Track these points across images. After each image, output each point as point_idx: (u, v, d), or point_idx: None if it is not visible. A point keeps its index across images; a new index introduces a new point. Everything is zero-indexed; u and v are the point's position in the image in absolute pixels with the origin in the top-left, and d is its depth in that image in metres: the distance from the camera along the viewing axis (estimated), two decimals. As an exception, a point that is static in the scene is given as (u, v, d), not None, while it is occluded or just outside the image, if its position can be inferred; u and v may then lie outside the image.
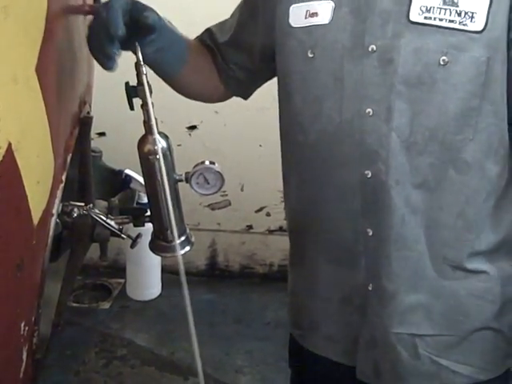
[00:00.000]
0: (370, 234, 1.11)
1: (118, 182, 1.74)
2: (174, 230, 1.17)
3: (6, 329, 0.92)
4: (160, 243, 1.21)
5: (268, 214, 3.02)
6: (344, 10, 1.07)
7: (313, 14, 1.10)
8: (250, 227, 3.03)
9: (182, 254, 1.23)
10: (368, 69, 1.05)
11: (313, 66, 1.10)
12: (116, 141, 2.51)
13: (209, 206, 3.02)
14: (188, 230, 1.30)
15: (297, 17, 1.12)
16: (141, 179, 1.60)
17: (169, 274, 2.83)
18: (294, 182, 1.22)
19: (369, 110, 1.06)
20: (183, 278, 1.12)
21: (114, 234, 1.30)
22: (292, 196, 1.24)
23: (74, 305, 2.86)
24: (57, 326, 1.40)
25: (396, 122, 1.04)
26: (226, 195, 3.01)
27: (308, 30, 1.10)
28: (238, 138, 2.88)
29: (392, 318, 1.14)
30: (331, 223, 1.16)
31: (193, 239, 1.27)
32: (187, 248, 1.22)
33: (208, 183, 1.22)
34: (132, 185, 1.73)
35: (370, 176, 1.08)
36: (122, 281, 2.98)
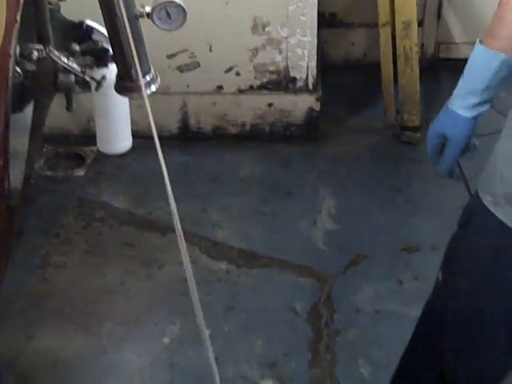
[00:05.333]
0: None
1: (79, 34, 1.69)
2: (138, 67, 1.16)
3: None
4: (125, 84, 1.20)
5: (238, 74, 2.99)
6: None
7: None
8: (220, 88, 3.01)
9: (149, 95, 1.23)
10: None
11: None
12: None
13: (177, 68, 2.98)
14: (153, 71, 1.28)
15: None
16: (103, 30, 1.56)
17: (141, 139, 2.82)
18: None
19: None
20: (152, 124, 1.12)
21: (78, 81, 1.29)
22: None
23: (49, 173, 2.87)
24: (29, 179, 1.41)
25: None
26: (195, 56, 2.96)
27: None
28: (202, -4, 2.80)
29: None
30: None
31: (158, 80, 1.25)
32: (153, 88, 1.21)
33: (170, 18, 1.19)
34: (94, 36, 1.69)
35: None
36: (95, 148, 2.97)
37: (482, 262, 1.30)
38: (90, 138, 2.98)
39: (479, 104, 1.27)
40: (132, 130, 2.89)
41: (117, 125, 2.80)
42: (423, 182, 2.79)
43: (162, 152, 1.06)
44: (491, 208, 1.24)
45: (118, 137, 2.86)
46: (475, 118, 1.29)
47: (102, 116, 2.79)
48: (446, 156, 1.33)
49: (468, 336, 1.37)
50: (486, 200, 1.25)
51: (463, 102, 1.28)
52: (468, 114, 1.28)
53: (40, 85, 1.30)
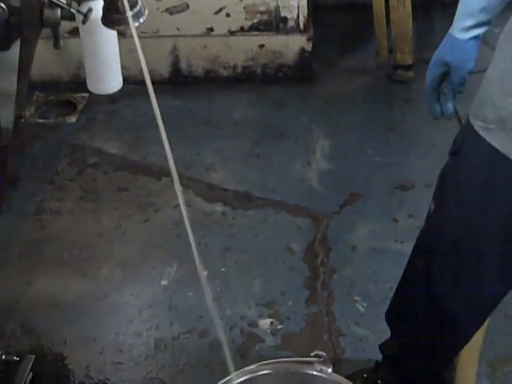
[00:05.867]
0: None
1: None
2: (125, -1, 1.13)
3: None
4: (112, 16, 1.17)
5: (228, 15, 2.94)
6: None
7: None
8: (210, 30, 2.96)
9: (136, 27, 1.20)
10: None
11: None
12: None
13: (166, 10, 2.93)
14: (140, 3, 1.25)
15: None
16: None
17: (133, 84, 2.79)
18: None
19: None
20: (143, 65, 1.11)
21: (64, 15, 1.26)
22: None
23: (40, 121, 2.85)
24: (20, 118, 1.40)
25: None
26: (184, -2, 2.92)
27: None
28: None
29: None
30: None
31: (146, 13, 1.22)
32: (141, 20, 1.19)
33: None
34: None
35: None
36: (87, 95, 2.94)
37: (473, 187, 1.30)
38: (80, 84, 2.93)
39: (476, 26, 1.26)
40: (123, 76, 2.84)
41: (106, 64, 2.75)
42: (417, 120, 2.77)
43: (154, 97, 1.05)
44: (482, 133, 1.24)
45: (108, 76, 2.80)
46: (473, 40, 1.27)
47: (90, 55, 2.72)
48: (450, 84, 1.32)
49: (459, 264, 1.38)
50: (477, 125, 1.25)
51: (461, 24, 1.27)
52: (465, 36, 1.27)
53: (26, 21, 1.27)
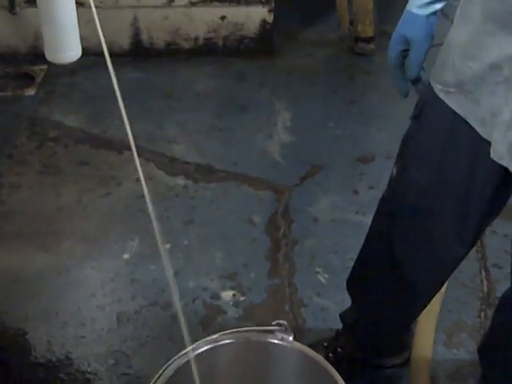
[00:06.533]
0: None
1: None
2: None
3: None
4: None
5: (189, -14, 2.91)
6: None
7: None
8: (171, 1, 2.93)
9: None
10: None
11: None
12: None
13: (126, -20, 2.89)
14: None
15: None
16: None
17: (92, 56, 2.75)
18: None
19: None
20: (101, 36, 1.09)
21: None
22: None
23: (-2, 93, 2.80)
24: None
25: None
26: (142, -33, 2.88)
27: None
28: None
29: None
30: None
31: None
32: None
33: None
34: None
35: None
36: (45, 67, 2.89)
37: (434, 150, 1.33)
38: (38, 56, 2.88)
39: (434, 1, 1.27)
40: (82, 47, 2.80)
41: (64, 31, 2.69)
42: (378, 93, 2.80)
43: (114, 69, 1.04)
44: (442, 96, 1.26)
45: (66, 45, 2.74)
46: (431, 16, 1.28)
47: (48, 22, 2.66)
48: (410, 61, 1.32)
49: (419, 227, 1.41)
50: (438, 89, 1.27)
51: (418, 0, 1.27)
52: (422, 11, 1.28)
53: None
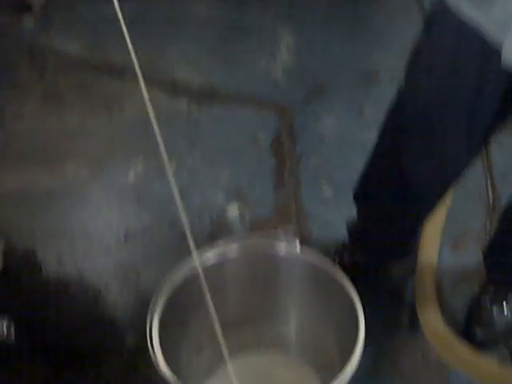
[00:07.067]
0: None
1: None
2: None
3: None
4: None
5: None
6: None
7: None
8: None
9: None
10: None
11: None
12: None
13: None
14: None
15: None
16: None
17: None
18: None
19: None
20: None
21: None
22: None
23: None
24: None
25: None
26: None
27: None
28: None
29: None
30: None
31: None
32: None
33: None
34: None
35: None
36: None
37: (443, 58, 1.31)
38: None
39: None
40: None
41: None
42: (383, 15, 2.74)
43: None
44: (455, 2, 1.23)
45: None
46: None
47: None
48: None
49: (426, 136, 1.40)
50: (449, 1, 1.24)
51: None
52: None
53: None
